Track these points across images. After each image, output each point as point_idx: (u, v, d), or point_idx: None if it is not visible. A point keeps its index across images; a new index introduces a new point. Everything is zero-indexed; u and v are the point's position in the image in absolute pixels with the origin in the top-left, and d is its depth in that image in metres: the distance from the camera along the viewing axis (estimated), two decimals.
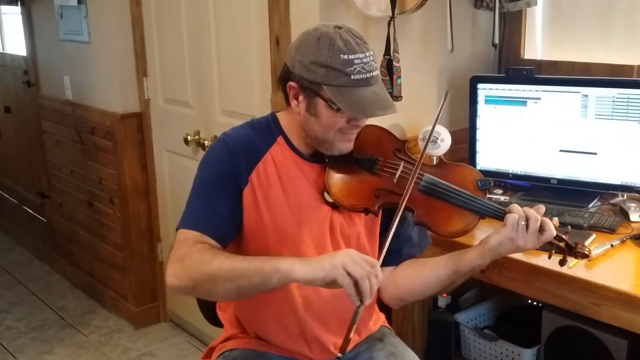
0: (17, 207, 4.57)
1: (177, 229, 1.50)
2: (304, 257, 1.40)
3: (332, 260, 1.32)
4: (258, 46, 2.38)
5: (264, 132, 1.56)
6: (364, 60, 1.42)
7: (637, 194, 2.06)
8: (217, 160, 1.53)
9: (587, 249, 1.50)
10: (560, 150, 2.15)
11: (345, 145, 1.51)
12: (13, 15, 4.11)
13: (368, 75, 1.42)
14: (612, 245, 1.78)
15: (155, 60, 3.01)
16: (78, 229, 3.70)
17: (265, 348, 1.61)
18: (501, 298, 2.41)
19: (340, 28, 1.44)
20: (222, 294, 1.43)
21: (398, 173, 1.54)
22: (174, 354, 3.10)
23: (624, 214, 2.01)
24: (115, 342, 3.23)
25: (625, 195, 2.11)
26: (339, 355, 1.36)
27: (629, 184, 2.06)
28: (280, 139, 1.55)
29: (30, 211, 4.35)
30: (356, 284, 1.30)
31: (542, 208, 1.48)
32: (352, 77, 1.40)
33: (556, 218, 1.50)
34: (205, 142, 2.73)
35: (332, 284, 1.32)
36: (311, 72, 1.42)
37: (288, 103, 1.52)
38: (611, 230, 1.90)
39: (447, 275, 1.54)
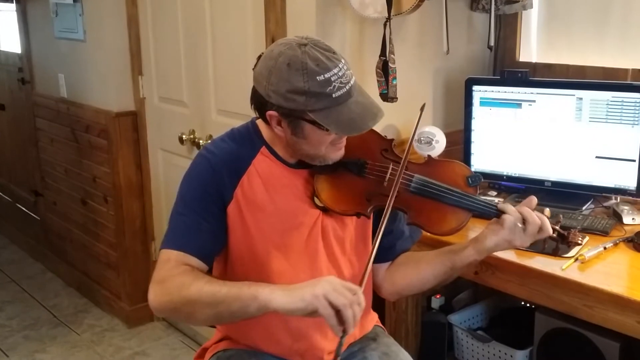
0: (10, 205, 4.56)
1: (160, 249, 1.48)
2: (285, 285, 1.34)
3: (313, 289, 1.28)
4: (254, 46, 2.38)
5: (246, 143, 1.53)
6: (339, 73, 1.36)
7: (630, 197, 2.07)
8: (198, 177, 1.50)
9: (579, 238, 1.52)
10: (555, 153, 2.16)
11: (338, 154, 1.50)
12: (8, 12, 4.10)
13: (347, 87, 1.38)
14: (605, 248, 1.79)
15: (150, 58, 3.00)
16: (72, 227, 3.70)
17: (256, 349, 1.60)
18: (494, 299, 2.42)
19: (305, 45, 1.37)
20: (202, 319, 1.41)
21: (387, 176, 1.52)
22: (166, 354, 3.10)
23: (617, 217, 2.02)
24: (108, 341, 3.22)
25: (618, 198, 2.12)
26: None
27: (622, 187, 2.06)
28: (263, 149, 1.52)
29: (24, 209, 4.34)
30: (338, 313, 1.26)
31: (534, 200, 1.49)
32: (334, 95, 1.36)
33: (548, 209, 1.52)
34: (201, 142, 2.73)
35: (313, 313, 1.28)
36: (290, 101, 1.36)
37: (267, 123, 1.48)
38: (604, 233, 1.91)
39: (444, 272, 1.56)
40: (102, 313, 3.49)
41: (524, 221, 1.44)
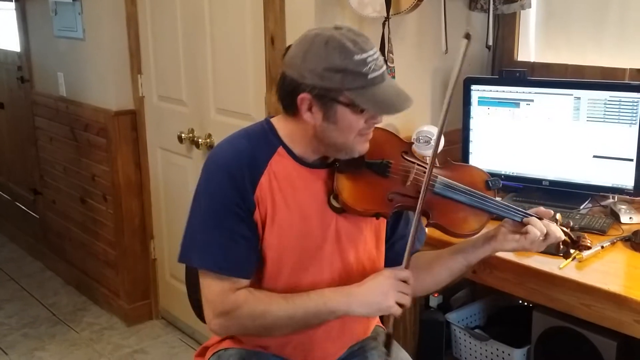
0: (9, 204, 4.56)
1: (198, 266, 1.48)
2: (355, 293, 1.45)
3: (387, 299, 1.43)
4: (253, 45, 2.39)
5: (262, 142, 1.48)
6: (374, 57, 1.38)
7: (627, 196, 2.08)
8: (220, 189, 1.44)
9: (588, 241, 1.54)
10: (553, 152, 2.17)
11: (364, 146, 1.47)
12: (7, 11, 4.10)
13: (381, 71, 1.39)
14: (602, 247, 1.80)
15: (149, 57, 3.01)
16: (71, 225, 3.70)
17: (260, 348, 1.60)
18: (492, 298, 2.42)
19: (340, 29, 1.39)
20: (278, 335, 1.52)
21: (411, 176, 1.51)
22: (165, 352, 3.10)
23: (615, 216, 2.03)
24: (106, 339, 3.23)
25: (616, 197, 2.13)
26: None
27: (619, 186, 2.07)
28: (280, 149, 1.47)
29: (23, 207, 4.34)
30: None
31: (550, 214, 1.52)
32: (369, 76, 1.36)
33: (559, 214, 1.53)
34: (199, 140, 2.73)
35: None
36: (326, 80, 1.35)
37: (290, 114, 1.45)
38: (602, 232, 1.92)
39: (459, 269, 1.58)
40: (101, 311, 3.50)
41: (546, 234, 1.47)
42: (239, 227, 1.44)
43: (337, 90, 1.37)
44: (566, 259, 1.56)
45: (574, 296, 1.65)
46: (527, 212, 1.51)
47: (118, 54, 3.06)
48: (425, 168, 1.50)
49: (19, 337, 3.27)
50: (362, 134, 1.45)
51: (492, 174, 2.22)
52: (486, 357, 2.23)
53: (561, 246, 1.52)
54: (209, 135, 2.70)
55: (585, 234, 1.57)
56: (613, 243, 1.84)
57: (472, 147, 2.31)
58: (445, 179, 1.53)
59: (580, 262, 1.72)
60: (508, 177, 2.27)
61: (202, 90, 2.72)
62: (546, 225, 1.47)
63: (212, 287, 1.45)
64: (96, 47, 3.14)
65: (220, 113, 2.66)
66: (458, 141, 2.33)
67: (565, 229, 1.52)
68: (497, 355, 2.19)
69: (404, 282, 1.45)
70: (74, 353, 3.11)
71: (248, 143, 1.48)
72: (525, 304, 2.32)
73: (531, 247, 1.48)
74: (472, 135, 2.30)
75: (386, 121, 2.21)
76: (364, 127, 1.43)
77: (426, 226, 1.57)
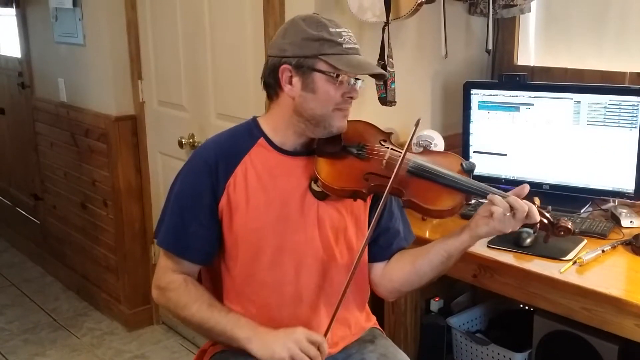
0: (10, 209, 4.56)
1: (156, 240, 1.63)
2: (263, 332, 1.50)
3: (282, 349, 1.45)
4: (253, 50, 2.39)
5: (245, 136, 1.59)
6: (349, 34, 1.51)
7: (628, 200, 2.08)
8: (194, 177, 1.57)
9: (569, 224, 1.51)
10: (553, 156, 2.17)
11: (342, 122, 1.55)
12: (8, 17, 4.11)
13: (355, 46, 1.52)
14: (603, 251, 1.79)
15: (150, 63, 3.01)
16: (71, 230, 3.70)
17: None
18: (493, 302, 2.42)
19: (317, 14, 1.53)
20: (193, 329, 1.66)
21: (387, 156, 1.57)
22: (166, 357, 3.10)
23: (615, 220, 2.02)
24: (107, 344, 3.22)
25: (616, 201, 2.13)
26: None
27: (620, 189, 2.07)
28: (261, 140, 1.58)
29: (24, 213, 4.34)
30: None
31: (525, 188, 1.51)
32: (344, 46, 1.48)
33: (537, 198, 1.52)
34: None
35: None
36: (305, 48, 1.47)
37: (273, 96, 1.56)
38: (602, 236, 1.91)
39: (440, 261, 1.58)
40: (102, 316, 3.50)
41: (512, 209, 1.46)
42: (199, 214, 1.56)
43: (314, 57, 1.47)
44: (545, 243, 1.55)
45: (574, 300, 1.65)
46: (500, 192, 1.50)
47: (118, 60, 3.07)
48: (401, 152, 1.54)
49: (20, 342, 3.26)
50: (339, 109, 1.52)
51: (493, 178, 2.27)
52: None
53: (538, 229, 1.51)
54: None
55: (565, 218, 1.54)
56: (614, 247, 1.84)
57: (472, 151, 2.31)
58: (420, 160, 1.57)
59: (580, 266, 1.72)
60: (508, 181, 2.27)
61: (202, 95, 2.72)
62: (510, 201, 1.45)
63: (161, 261, 1.62)
64: (96, 52, 3.15)
65: (220, 118, 2.66)
66: (458, 145, 2.33)
67: (545, 213, 1.51)
68: None
69: (316, 346, 1.46)
70: (75, 358, 3.11)
71: (229, 137, 1.62)
72: (526, 308, 2.32)
73: (502, 226, 1.46)
74: (472, 140, 2.31)
75: (386, 125, 2.21)
76: (341, 100, 1.51)
77: (403, 207, 1.62)
